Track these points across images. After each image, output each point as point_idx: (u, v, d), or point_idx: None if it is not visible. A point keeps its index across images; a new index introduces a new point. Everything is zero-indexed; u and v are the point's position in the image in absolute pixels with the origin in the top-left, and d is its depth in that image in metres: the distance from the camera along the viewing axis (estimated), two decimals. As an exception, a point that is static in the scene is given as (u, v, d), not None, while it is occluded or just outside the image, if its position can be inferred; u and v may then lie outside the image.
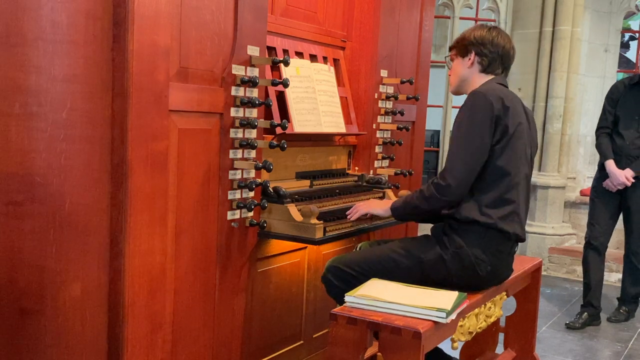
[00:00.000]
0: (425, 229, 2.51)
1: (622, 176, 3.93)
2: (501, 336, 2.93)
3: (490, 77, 2.37)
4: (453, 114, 5.77)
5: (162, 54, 1.80)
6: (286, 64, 2.25)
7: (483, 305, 2.34)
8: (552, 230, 5.59)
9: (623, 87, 4.08)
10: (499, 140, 2.19)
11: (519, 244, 2.44)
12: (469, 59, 2.38)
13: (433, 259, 2.24)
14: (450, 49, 2.49)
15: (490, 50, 2.35)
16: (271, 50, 2.45)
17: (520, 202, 2.26)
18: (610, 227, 4.10)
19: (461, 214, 2.22)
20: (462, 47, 2.41)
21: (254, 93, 2.15)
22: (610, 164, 3.98)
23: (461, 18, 5.84)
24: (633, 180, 3.95)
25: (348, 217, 2.39)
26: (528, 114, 2.37)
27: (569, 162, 5.78)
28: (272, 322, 2.49)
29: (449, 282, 2.21)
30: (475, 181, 2.21)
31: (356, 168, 2.94)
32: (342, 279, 2.30)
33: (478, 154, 2.18)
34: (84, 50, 1.71)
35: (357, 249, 2.60)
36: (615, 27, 5.89)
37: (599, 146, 4.12)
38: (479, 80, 2.37)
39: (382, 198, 2.73)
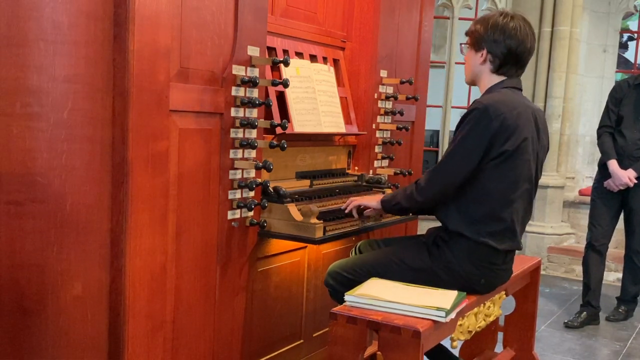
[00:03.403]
0: (425, 228, 2.51)
1: (624, 177, 3.92)
2: (500, 335, 2.94)
3: (502, 78, 2.24)
4: (452, 114, 5.78)
5: (163, 54, 1.81)
6: (286, 64, 2.26)
7: (482, 305, 2.34)
8: (551, 230, 5.60)
9: (627, 87, 4.07)
10: (494, 157, 2.09)
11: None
12: (481, 55, 2.24)
13: (426, 270, 2.23)
14: (466, 34, 2.32)
15: (502, 51, 2.19)
16: (271, 50, 2.46)
17: (515, 220, 2.18)
18: (612, 228, 4.10)
19: (450, 226, 2.20)
20: (475, 39, 2.25)
21: (254, 93, 2.16)
22: (613, 164, 3.97)
23: (460, 18, 5.85)
24: (635, 181, 3.94)
25: (345, 210, 2.41)
26: (538, 120, 2.24)
27: (568, 162, 5.80)
28: (272, 321, 2.50)
29: (446, 288, 2.19)
30: (464, 195, 2.16)
31: (356, 168, 2.94)
32: (342, 283, 2.31)
33: (463, 169, 2.11)
34: (85, 51, 1.72)
35: (356, 248, 2.62)
36: (613, 28, 5.91)
37: (601, 145, 4.10)
38: (490, 80, 2.25)
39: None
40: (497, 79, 2.25)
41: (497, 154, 2.10)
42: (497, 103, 2.11)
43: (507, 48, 2.20)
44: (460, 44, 2.39)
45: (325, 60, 2.79)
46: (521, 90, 2.30)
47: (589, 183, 5.66)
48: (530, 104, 2.28)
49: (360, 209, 2.44)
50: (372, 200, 2.39)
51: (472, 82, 2.36)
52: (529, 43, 2.22)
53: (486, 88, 2.27)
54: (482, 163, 2.11)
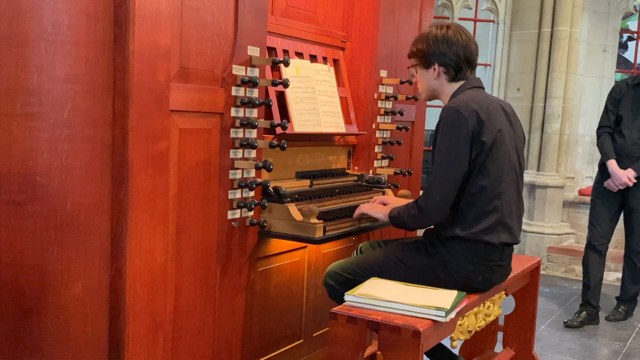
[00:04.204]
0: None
1: (624, 176, 3.93)
2: (500, 335, 2.94)
3: (460, 82, 2.30)
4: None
5: (163, 55, 1.81)
6: (286, 64, 2.26)
7: (482, 304, 2.35)
8: (551, 230, 5.60)
9: (626, 87, 4.08)
10: (477, 154, 2.14)
11: (517, 245, 2.39)
12: (434, 69, 2.30)
13: (424, 268, 2.23)
14: (409, 56, 2.39)
15: (452, 58, 2.26)
16: (271, 50, 2.46)
17: (505, 211, 2.20)
18: (611, 228, 4.10)
19: (444, 233, 2.21)
20: (421, 58, 2.32)
21: (254, 93, 2.16)
22: (612, 164, 3.97)
23: (460, 19, 5.85)
24: (635, 181, 3.95)
25: (354, 216, 2.41)
26: (508, 112, 2.28)
27: (568, 162, 5.80)
28: (272, 321, 2.50)
29: (445, 287, 2.20)
30: (455, 198, 2.17)
31: (356, 168, 2.95)
32: (342, 283, 2.31)
33: (456, 174, 2.14)
34: (85, 51, 1.72)
35: (358, 249, 2.62)
36: (613, 28, 5.91)
37: (600, 145, 4.11)
38: (450, 89, 2.31)
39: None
40: (456, 85, 2.32)
41: (478, 151, 2.14)
42: (465, 102, 2.17)
43: (456, 55, 2.27)
44: (407, 67, 2.47)
45: (325, 60, 2.79)
46: (483, 88, 2.35)
47: (588, 183, 5.66)
48: (495, 98, 2.33)
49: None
50: (380, 213, 2.38)
51: (430, 98, 2.43)
52: (472, 44, 2.30)
53: (449, 97, 2.31)
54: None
